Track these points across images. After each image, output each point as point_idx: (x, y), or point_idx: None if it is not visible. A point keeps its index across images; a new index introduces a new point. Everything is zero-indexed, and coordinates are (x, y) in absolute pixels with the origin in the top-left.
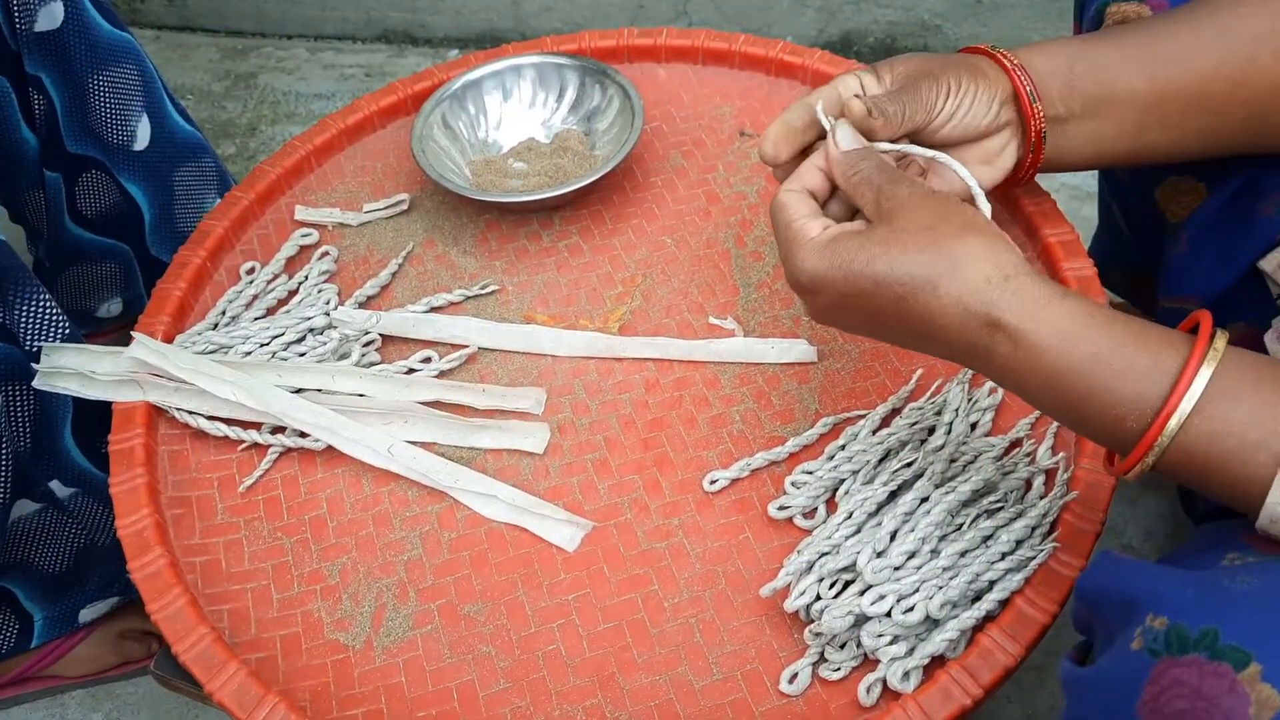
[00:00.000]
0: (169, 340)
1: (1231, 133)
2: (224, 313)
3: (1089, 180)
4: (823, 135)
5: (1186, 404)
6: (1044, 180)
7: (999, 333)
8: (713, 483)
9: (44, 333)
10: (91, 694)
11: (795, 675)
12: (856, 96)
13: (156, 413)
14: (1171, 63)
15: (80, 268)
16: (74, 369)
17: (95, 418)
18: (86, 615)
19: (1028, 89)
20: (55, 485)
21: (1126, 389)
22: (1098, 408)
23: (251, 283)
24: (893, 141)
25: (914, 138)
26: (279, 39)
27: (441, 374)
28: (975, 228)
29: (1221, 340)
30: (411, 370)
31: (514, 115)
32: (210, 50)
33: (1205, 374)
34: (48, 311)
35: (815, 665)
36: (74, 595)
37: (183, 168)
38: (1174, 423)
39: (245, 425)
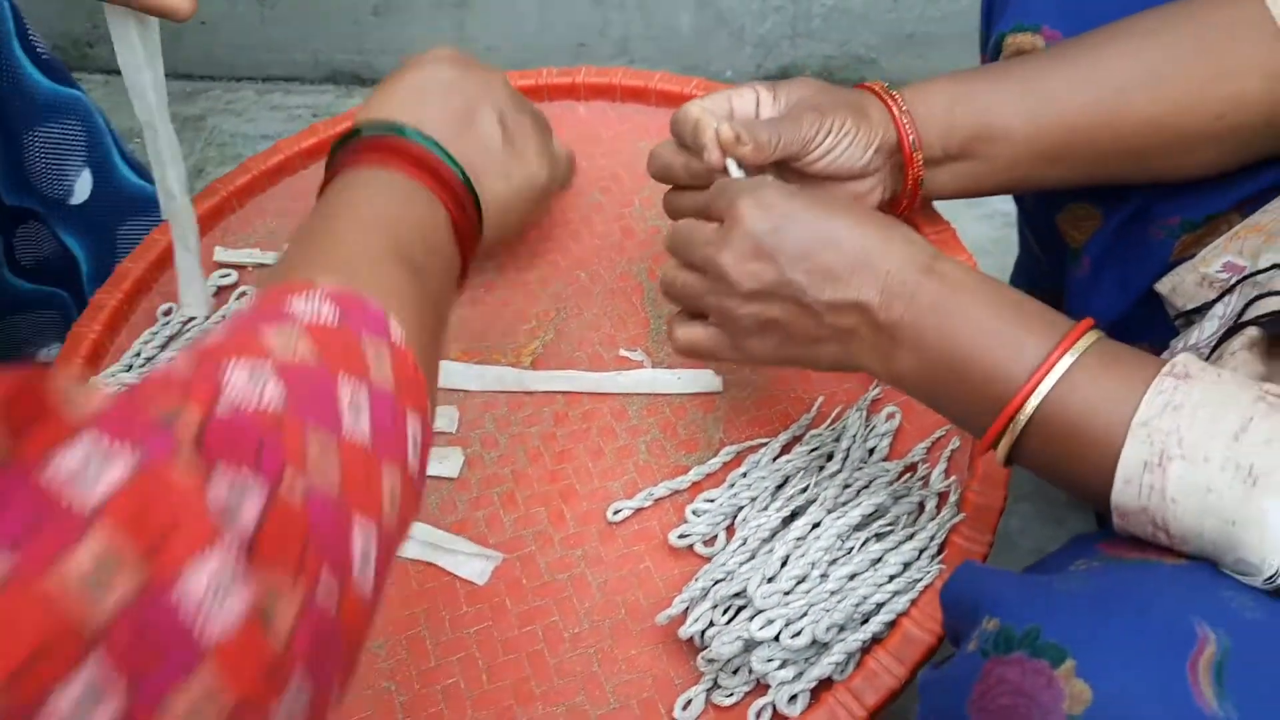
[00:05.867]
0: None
1: (1104, 166)
2: (139, 354)
3: None
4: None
5: (1066, 360)
6: (978, 205)
7: (939, 263)
8: (616, 513)
9: None
10: None
11: (689, 702)
12: (729, 122)
13: None
14: (1047, 101)
15: (20, 316)
16: None
17: None
18: None
19: (910, 138)
20: None
21: (1028, 337)
22: (1001, 344)
23: (167, 324)
24: (761, 168)
25: (787, 164)
26: (227, 81)
27: None
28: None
29: (1098, 333)
30: None
31: None
32: None
33: (1082, 345)
34: None
35: (709, 692)
36: None
37: (130, 221)
38: (1052, 377)
39: None
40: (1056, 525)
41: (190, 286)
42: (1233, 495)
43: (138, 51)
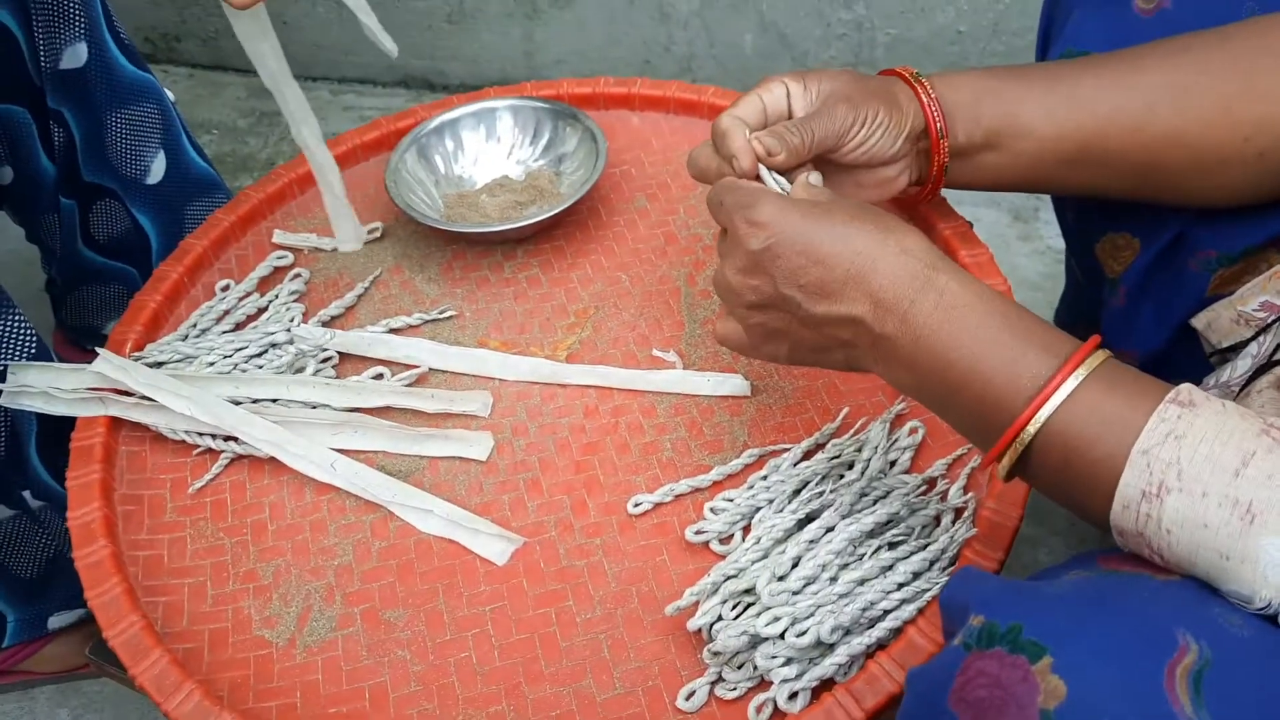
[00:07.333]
0: (140, 349)
1: (1129, 177)
2: (195, 325)
3: None
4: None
5: (1071, 382)
6: (1031, 240)
7: (937, 276)
8: (636, 505)
9: (13, 351)
10: (60, 690)
11: (693, 693)
12: (761, 135)
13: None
14: (1072, 104)
15: (90, 288)
16: (38, 387)
17: (58, 436)
18: (55, 622)
19: (939, 125)
20: (27, 495)
21: (1029, 355)
22: (1001, 363)
23: (224, 299)
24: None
25: (822, 155)
26: (304, 80)
27: None
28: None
29: (1106, 353)
30: None
31: (490, 153)
32: (239, 89)
33: (1089, 365)
34: (19, 329)
35: (713, 684)
36: (44, 602)
37: (196, 202)
38: (1060, 394)
39: (201, 431)
40: (1081, 543)
41: (341, 225)
42: (1228, 531)
43: (251, 24)
